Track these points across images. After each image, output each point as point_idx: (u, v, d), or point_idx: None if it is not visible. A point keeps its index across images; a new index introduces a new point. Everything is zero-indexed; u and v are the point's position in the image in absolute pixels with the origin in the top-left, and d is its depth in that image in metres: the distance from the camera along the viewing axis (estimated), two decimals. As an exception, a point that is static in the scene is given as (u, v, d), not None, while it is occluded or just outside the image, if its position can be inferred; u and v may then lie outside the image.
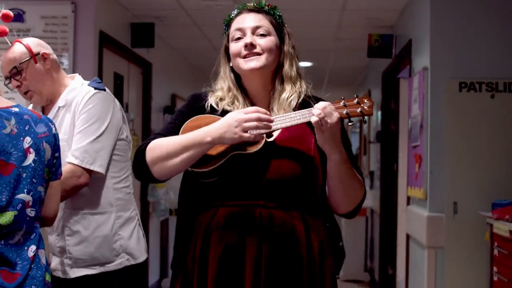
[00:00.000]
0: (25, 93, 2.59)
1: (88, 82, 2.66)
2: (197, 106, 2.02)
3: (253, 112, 1.83)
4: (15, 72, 2.56)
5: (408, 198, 4.91)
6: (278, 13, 2.04)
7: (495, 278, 3.63)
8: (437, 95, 4.10)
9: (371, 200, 7.22)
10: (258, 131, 1.83)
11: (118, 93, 5.14)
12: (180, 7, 5.12)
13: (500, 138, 4.02)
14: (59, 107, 2.57)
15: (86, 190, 2.49)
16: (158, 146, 1.90)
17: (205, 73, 8.71)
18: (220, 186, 1.91)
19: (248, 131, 1.81)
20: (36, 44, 2.61)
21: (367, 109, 1.89)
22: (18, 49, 2.56)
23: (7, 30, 2.58)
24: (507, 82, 4.04)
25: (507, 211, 3.55)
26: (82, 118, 2.48)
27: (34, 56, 2.56)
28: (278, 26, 2.02)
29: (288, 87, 1.98)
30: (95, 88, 2.56)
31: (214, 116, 1.95)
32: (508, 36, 4.10)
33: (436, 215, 4.08)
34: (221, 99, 2.01)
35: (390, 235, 6.36)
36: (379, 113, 6.68)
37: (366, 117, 1.92)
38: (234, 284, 1.85)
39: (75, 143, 2.46)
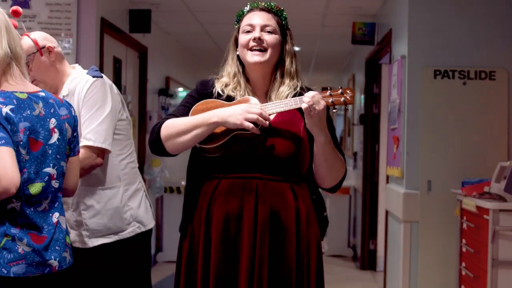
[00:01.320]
0: (31, 82, 2.80)
1: (87, 71, 2.84)
2: (204, 92, 2.34)
3: (258, 108, 2.15)
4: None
5: (387, 177, 5.24)
6: (284, 15, 2.36)
7: (464, 249, 3.98)
8: (413, 82, 4.41)
9: (354, 180, 7.55)
10: (257, 121, 2.14)
11: (117, 76, 5.40)
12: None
13: (470, 122, 4.33)
14: (63, 96, 2.76)
15: (97, 169, 2.75)
16: (171, 126, 2.22)
17: (197, 56, 8.98)
18: (223, 160, 2.23)
19: (248, 121, 2.13)
20: (42, 38, 2.81)
21: (349, 98, 2.23)
22: (25, 43, 2.73)
23: (16, 23, 2.82)
24: (478, 70, 4.35)
25: (475, 189, 3.89)
26: (86, 107, 2.70)
27: (40, 50, 2.76)
28: (283, 27, 2.33)
29: (287, 81, 2.30)
30: (93, 76, 2.76)
31: (219, 101, 2.27)
32: (479, 28, 4.39)
33: (412, 192, 4.41)
34: (226, 85, 2.32)
35: (372, 212, 6.72)
36: (362, 96, 6.99)
37: (348, 105, 2.26)
38: (234, 241, 2.19)
39: (85, 128, 2.69)
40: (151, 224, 2.90)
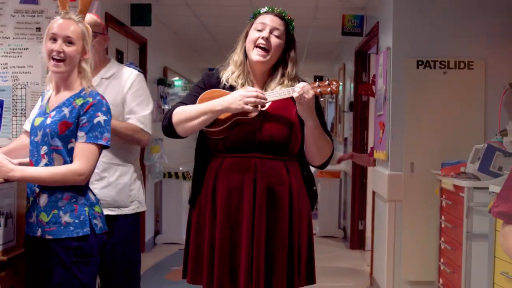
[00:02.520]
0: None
1: (127, 63, 3.21)
2: (210, 82, 2.68)
3: (253, 91, 2.50)
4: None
5: (375, 160, 5.58)
6: (293, 25, 2.71)
7: (443, 225, 4.33)
8: (398, 71, 4.74)
9: (344, 164, 7.88)
10: (255, 102, 2.49)
11: (119, 67, 5.70)
12: (174, -10, 5.72)
13: (450, 108, 4.67)
14: (102, 78, 3.09)
15: (118, 146, 3.07)
16: (181, 112, 2.57)
17: (193, 47, 9.29)
18: (226, 142, 2.58)
19: (248, 104, 2.48)
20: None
21: (335, 89, 2.57)
22: (93, 22, 3.00)
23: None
24: (457, 60, 4.68)
25: (452, 169, 4.24)
26: (134, 95, 3.09)
27: (104, 32, 3.14)
28: (289, 35, 2.68)
29: (286, 82, 2.64)
30: (138, 70, 3.17)
31: (223, 90, 2.62)
32: (458, 21, 4.73)
33: (396, 174, 4.75)
34: (232, 73, 2.65)
35: (361, 195, 7.07)
36: (352, 85, 7.31)
37: (334, 94, 2.61)
38: (237, 210, 2.54)
39: (136, 113, 3.08)
40: (145, 207, 3.24)
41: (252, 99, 2.49)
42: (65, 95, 2.52)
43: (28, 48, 4.80)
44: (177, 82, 8.29)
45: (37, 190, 2.46)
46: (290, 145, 2.63)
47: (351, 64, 7.38)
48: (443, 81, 4.69)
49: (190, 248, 2.64)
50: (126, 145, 3.15)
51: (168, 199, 7.21)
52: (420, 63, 4.70)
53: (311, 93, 2.51)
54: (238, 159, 2.57)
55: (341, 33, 6.36)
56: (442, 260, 4.33)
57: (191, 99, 2.65)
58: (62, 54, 2.47)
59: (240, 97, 2.49)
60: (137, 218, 3.22)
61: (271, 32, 2.61)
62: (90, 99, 2.47)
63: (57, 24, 2.51)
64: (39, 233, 2.45)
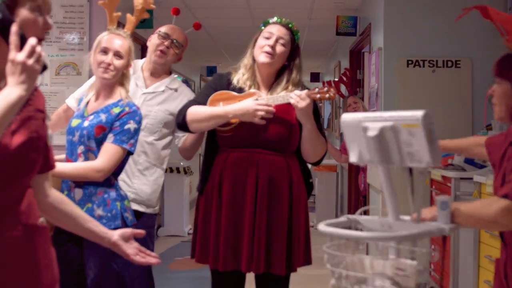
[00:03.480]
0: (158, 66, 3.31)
1: (182, 79, 3.49)
2: (220, 83, 2.97)
3: (264, 105, 2.77)
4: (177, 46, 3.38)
5: (347, 158, 5.84)
6: (298, 35, 2.97)
7: (433, 214, 4.60)
8: (389, 70, 5.02)
9: (347, 158, 8.15)
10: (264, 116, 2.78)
11: (124, 68, 5.98)
12: (176, -6, 5.99)
13: (439, 105, 4.93)
14: (167, 87, 3.38)
15: (161, 149, 3.34)
16: (195, 113, 2.86)
17: (192, 46, 9.53)
18: (234, 139, 2.86)
19: (257, 117, 2.76)
20: None
21: (332, 95, 2.84)
22: (182, 35, 3.42)
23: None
24: (445, 59, 4.97)
25: (441, 161, 4.52)
26: None
27: (186, 46, 3.48)
28: (294, 44, 2.93)
29: (290, 87, 2.89)
30: (191, 89, 3.49)
31: (231, 92, 2.90)
32: (446, 23, 4.99)
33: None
34: (243, 75, 2.93)
35: (357, 188, 7.33)
36: (341, 84, 7.57)
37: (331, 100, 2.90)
38: (241, 198, 2.82)
39: None
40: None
41: (263, 113, 2.77)
42: (104, 102, 2.77)
43: (39, 52, 5.10)
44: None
45: (73, 185, 2.70)
46: (290, 144, 2.91)
47: (346, 62, 7.65)
48: (432, 79, 4.97)
49: (198, 232, 2.93)
50: (167, 150, 3.39)
51: (170, 194, 7.50)
52: (410, 62, 4.98)
53: (307, 101, 2.77)
54: (242, 154, 2.85)
55: (336, 33, 6.64)
56: (432, 246, 4.61)
57: (203, 98, 2.94)
58: (111, 66, 2.73)
59: (252, 111, 2.77)
60: (154, 221, 3.48)
61: (277, 40, 2.87)
62: (127, 108, 2.72)
63: (108, 38, 2.79)
64: None
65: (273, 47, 2.85)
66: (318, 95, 2.82)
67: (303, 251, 2.90)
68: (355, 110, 5.41)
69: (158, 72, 3.40)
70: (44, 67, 1.69)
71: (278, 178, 2.84)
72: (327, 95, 2.83)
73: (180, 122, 2.92)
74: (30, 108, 1.75)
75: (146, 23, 6.12)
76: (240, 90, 2.92)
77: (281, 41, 2.87)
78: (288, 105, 2.85)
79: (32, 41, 1.63)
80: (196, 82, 11.18)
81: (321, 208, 8.19)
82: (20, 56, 1.61)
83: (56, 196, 2.01)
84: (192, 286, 5.47)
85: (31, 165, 1.76)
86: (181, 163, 7.45)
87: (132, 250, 2.15)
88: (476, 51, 5.00)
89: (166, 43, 3.32)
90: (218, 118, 2.83)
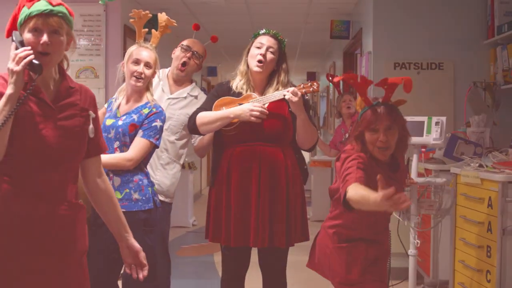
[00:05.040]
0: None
1: (201, 88, 3.98)
2: (222, 90, 3.47)
3: (259, 107, 3.27)
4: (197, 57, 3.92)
5: (337, 153, 6.28)
6: (284, 44, 3.47)
7: (417, 204, 5.08)
8: (377, 72, 5.46)
9: (335, 153, 8.61)
10: (258, 116, 3.27)
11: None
12: (182, 2, 6.45)
13: (424, 104, 5.37)
14: (189, 94, 3.89)
15: (181, 148, 3.85)
16: (203, 117, 3.37)
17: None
18: (237, 136, 3.36)
19: (253, 117, 3.26)
20: None
21: (316, 88, 3.35)
22: (202, 48, 3.96)
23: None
24: (429, 62, 5.43)
25: (424, 156, 4.99)
26: None
27: (205, 56, 3.98)
28: (281, 51, 3.45)
29: (280, 88, 3.40)
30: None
31: (231, 97, 3.40)
32: (430, 28, 5.46)
33: (378, 161, 5.48)
34: (240, 80, 3.43)
35: (350, 182, 7.79)
36: (341, 82, 8.02)
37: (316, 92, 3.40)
38: (247, 187, 3.32)
39: None
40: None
41: (257, 114, 3.28)
42: (134, 104, 3.26)
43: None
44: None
45: (111, 174, 3.16)
46: (285, 135, 3.41)
47: (341, 62, 8.10)
48: (417, 80, 5.37)
49: (211, 218, 3.43)
50: (184, 149, 3.89)
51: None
52: (397, 65, 5.44)
53: (298, 95, 3.27)
54: (246, 148, 3.35)
55: (330, 36, 7.10)
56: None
57: (208, 106, 3.45)
58: (143, 75, 3.23)
59: (249, 110, 3.28)
60: (171, 207, 3.98)
61: (267, 49, 3.39)
62: (154, 109, 3.21)
63: (138, 51, 3.28)
64: None
65: (264, 55, 3.36)
66: (304, 89, 3.32)
67: (300, 228, 3.39)
68: (349, 106, 5.87)
69: (181, 80, 3.92)
70: (38, 69, 2.15)
71: (276, 166, 3.34)
72: (311, 89, 3.34)
73: (191, 127, 3.44)
74: (77, 107, 2.26)
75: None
76: (239, 94, 3.41)
77: (270, 49, 3.39)
78: (281, 101, 3.35)
79: (17, 51, 2.14)
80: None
81: (317, 202, 8.64)
82: (9, 64, 2.14)
83: (105, 181, 2.48)
84: (197, 269, 5.99)
85: (74, 152, 2.27)
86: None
87: (130, 261, 2.54)
88: (458, 54, 5.44)
89: (188, 54, 3.90)
90: (222, 119, 3.33)
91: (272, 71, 3.45)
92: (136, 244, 2.53)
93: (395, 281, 4.50)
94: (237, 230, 3.32)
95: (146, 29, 3.72)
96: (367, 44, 5.84)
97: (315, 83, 3.37)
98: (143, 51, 3.28)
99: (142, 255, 2.54)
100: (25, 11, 2.18)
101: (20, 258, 2.15)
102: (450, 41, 5.47)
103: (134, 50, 3.30)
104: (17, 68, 2.11)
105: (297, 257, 4.13)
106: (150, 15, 3.74)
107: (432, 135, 4.12)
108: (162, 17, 3.86)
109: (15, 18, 2.23)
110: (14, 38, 2.19)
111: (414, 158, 4.16)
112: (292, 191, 3.38)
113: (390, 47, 5.49)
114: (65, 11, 2.22)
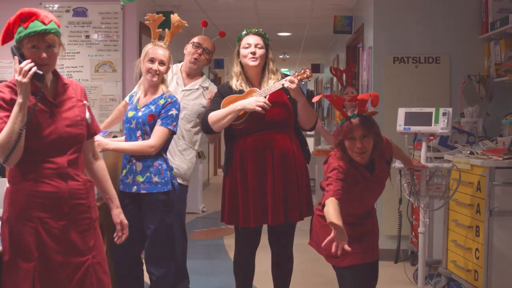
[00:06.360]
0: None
1: (211, 79, 4.35)
2: (224, 90, 3.84)
3: (263, 98, 3.64)
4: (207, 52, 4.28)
5: None
6: (266, 36, 3.84)
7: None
8: (378, 66, 5.79)
9: (339, 144, 8.93)
10: (262, 106, 3.64)
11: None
12: (194, 0, 6.80)
13: (421, 96, 5.70)
14: (200, 85, 4.26)
15: (195, 135, 4.23)
16: (214, 116, 3.74)
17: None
18: (246, 128, 3.73)
19: (258, 107, 3.63)
20: None
21: (309, 74, 3.73)
22: (211, 43, 4.31)
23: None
24: (427, 56, 5.74)
25: (421, 144, 5.33)
26: None
27: (214, 51, 4.36)
28: (266, 44, 3.82)
29: (272, 76, 3.80)
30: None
31: (235, 94, 3.76)
32: (428, 23, 5.76)
33: (378, 149, 5.80)
34: (237, 80, 3.80)
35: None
36: (344, 74, 8.34)
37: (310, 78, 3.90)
38: (263, 172, 3.69)
39: None
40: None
41: (261, 104, 3.66)
42: (151, 97, 3.63)
43: (79, 52, 5.95)
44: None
45: (134, 160, 3.55)
46: (289, 121, 3.80)
47: (344, 55, 8.37)
48: (415, 74, 5.73)
49: (226, 203, 3.81)
50: (198, 135, 4.26)
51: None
52: (396, 59, 5.75)
53: (296, 82, 3.65)
54: (256, 137, 3.73)
55: (333, 31, 7.41)
56: (414, 217, 5.43)
57: (216, 106, 3.83)
58: (158, 72, 3.59)
59: (254, 101, 3.66)
60: (187, 189, 4.34)
61: (255, 46, 3.78)
62: (169, 99, 3.58)
63: (153, 50, 3.63)
64: (134, 189, 3.55)
65: (254, 52, 3.74)
66: (299, 77, 3.70)
67: (306, 203, 3.80)
68: None
69: (193, 73, 4.28)
70: (40, 76, 2.58)
71: (286, 150, 3.73)
72: (305, 75, 3.72)
73: (206, 128, 3.82)
74: (74, 99, 2.74)
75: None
76: (240, 92, 3.78)
77: (258, 45, 3.77)
78: (279, 91, 3.73)
79: (22, 64, 2.57)
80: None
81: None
82: (16, 76, 2.59)
83: (99, 157, 2.95)
84: (209, 251, 6.37)
85: (79, 137, 2.73)
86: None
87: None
88: (454, 48, 5.74)
89: (199, 51, 4.23)
90: (230, 113, 3.70)
91: (264, 64, 3.82)
92: (116, 217, 2.99)
93: (388, 261, 4.78)
94: (256, 211, 3.70)
95: (160, 29, 4.06)
96: (368, 39, 6.15)
97: (307, 70, 3.75)
98: (158, 50, 3.64)
99: (121, 226, 2.99)
100: (22, 31, 2.57)
101: (52, 228, 2.61)
102: (447, 37, 5.77)
103: (150, 49, 3.65)
104: (24, 80, 2.53)
105: (300, 240, 4.53)
106: (164, 17, 4.08)
107: (440, 125, 4.44)
108: (174, 18, 4.21)
109: (8, 31, 2.62)
110: (15, 51, 2.59)
111: (423, 146, 4.49)
112: (299, 172, 3.77)
113: (390, 42, 5.79)
114: (55, 26, 2.61)
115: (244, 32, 3.86)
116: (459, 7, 5.77)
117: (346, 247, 2.84)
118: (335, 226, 2.85)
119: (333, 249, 2.86)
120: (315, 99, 3.59)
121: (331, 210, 2.95)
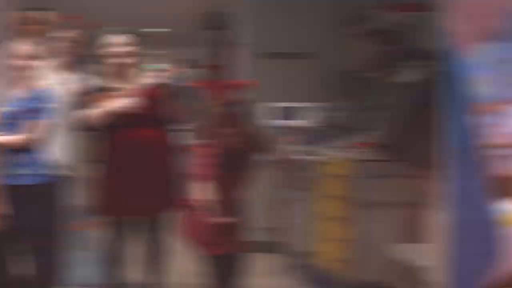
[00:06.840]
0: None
1: None
2: (92, 88, 3.92)
3: (131, 97, 3.73)
4: None
5: None
6: (134, 34, 3.92)
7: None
8: (248, 62, 5.81)
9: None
10: None
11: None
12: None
13: (291, 91, 5.57)
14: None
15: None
16: (83, 113, 3.79)
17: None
18: (115, 124, 3.79)
19: None
20: None
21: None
22: None
23: None
24: (296, 52, 5.78)
25: (289, 138, 5.37)
26: None
27: None
28: (132, 42, 3.92)
29: (140, 73, 3.95)
30: None
31: (104, 92, 3.85)
32: (294, 19, 5.83)
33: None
34: (105, 77, 3.89)
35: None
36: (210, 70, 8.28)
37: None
38: (130, 164, 3.83)
39: None
40: None
41: (129, 101, 3.80)
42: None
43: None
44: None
45: (12, 152, 3.57)
46: (158, 115, 3.94)
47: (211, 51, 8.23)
48: (285, 69, 5.73)
49: (99, 193, 3.95)
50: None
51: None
52: (266, 55, 5.74)
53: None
54: (126, 132, 3.89)
55: (203, 27, 7.41)
56: (279, 209, 5.43)
57: (84, 104, 3.94)
58: None
59: (122, 99, 3.83)
60: None
61: (119, 45, 3.88)
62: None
63: None
64: (12, 182, 3.55)
65: (119, 50, 3.87)
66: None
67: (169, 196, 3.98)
68: None
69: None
70: None
71: (153, 144, 3.94)
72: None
73: (79, 126, 3.96)
74: None
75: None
76: (108, 89, 3.87)
77: (122, 44, 3.87)
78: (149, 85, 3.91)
79: None
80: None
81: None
82: None
83: None
84: (84, 242, 6.05)
85: None
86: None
87: None
88: (322, 44, 5.79)
89: None
90: (100, 112, 3.82)
91: (132, 61, 3.91)
92: None
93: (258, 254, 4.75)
94: (125, 202, 3.90)
95: None
96: (240, 35, 6.13)
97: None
98: None
99: None
100: None
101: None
102: (314, 32, 5.82)
103: None
104: None
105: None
106: None
107: (309, 119, 4.54)
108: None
109: None
110: None
111: (293, 139, 4.57)
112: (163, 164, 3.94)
113: (261, 38, 5.81)
114: None
115: (108, 32, 3.96)
116: (324, 3, 5.86)
117: None
118: None
119: None
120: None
121: None
